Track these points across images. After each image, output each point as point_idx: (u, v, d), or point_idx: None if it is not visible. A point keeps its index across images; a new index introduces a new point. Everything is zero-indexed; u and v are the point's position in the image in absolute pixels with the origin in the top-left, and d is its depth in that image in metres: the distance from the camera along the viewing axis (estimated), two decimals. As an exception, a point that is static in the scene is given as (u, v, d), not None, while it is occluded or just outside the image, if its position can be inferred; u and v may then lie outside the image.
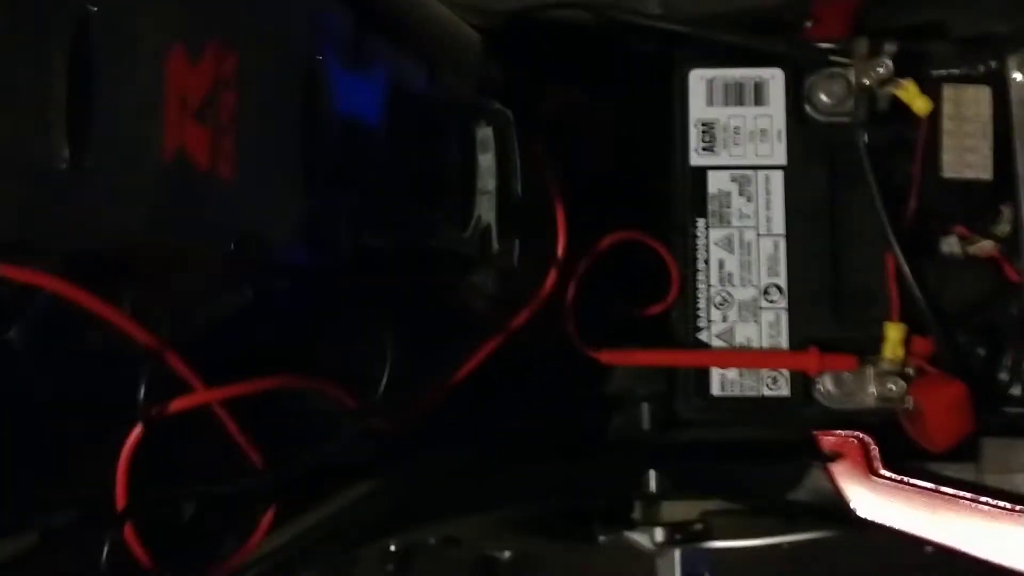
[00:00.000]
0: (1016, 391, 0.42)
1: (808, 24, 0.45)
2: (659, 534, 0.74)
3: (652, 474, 0.46)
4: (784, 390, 0.42)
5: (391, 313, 0.32)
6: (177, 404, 0.26)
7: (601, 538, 0.73)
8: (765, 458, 0.45)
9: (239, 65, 0.26)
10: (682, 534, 0.75)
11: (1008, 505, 0.41)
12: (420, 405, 0.33)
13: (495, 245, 0.35)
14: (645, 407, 0.45)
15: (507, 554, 0.79)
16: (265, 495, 0.29)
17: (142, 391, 0.26)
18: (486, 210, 0.36)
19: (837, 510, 0.44)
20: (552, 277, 0.37)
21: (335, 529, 0.36)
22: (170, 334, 0.26)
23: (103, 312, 0.24)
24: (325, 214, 0.29)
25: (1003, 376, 0.43)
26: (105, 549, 0.26)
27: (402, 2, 0.35)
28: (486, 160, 0.37)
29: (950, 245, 0.43)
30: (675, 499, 0.49)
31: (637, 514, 0.73)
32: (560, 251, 0.38)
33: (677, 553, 0.80)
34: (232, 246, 0.26)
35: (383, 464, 0.36)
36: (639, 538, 0.78)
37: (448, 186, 0.35)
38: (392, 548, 0.67)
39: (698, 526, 0.77)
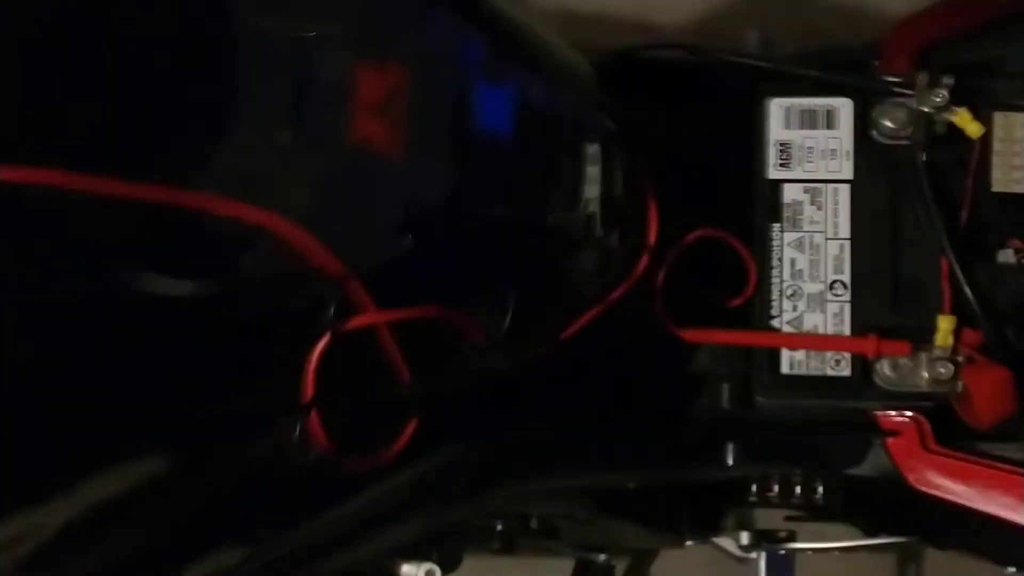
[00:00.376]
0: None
1: (876, 63, 0.52)
2: (745, 538, 0.79)
3: (730, 447, 0.53)
4: (846, 371, 0.49)
5: (512, 276, 0.41)
6: (355, 322, 0.35)
7: (688, 542, 0.79)
8: (830, 433, 0.51)
9: (411, 78, 0.35)
10: (768, 540, 0.80)
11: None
12: (532, 351, 0.41)
13: (599, 230, 0.43)
14: (725, 386, 0.52)
15: (602, 557, 0.85)
16: (414, 405, 0.37)
17: (332, 310, 0.35)
18: (593, 203, 0.44)
19: (895, 483, 0.50)
20: (645, 260, 0.45)
21: (432, 481, 0.44)
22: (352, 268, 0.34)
23: (312, 249, 0.33)
24: (469, 189, 0.37)
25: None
26: (297, 430, 0.35)
27: (531, 36, 0.44)
28: (593, 168, 0.45)
29: (1006, 256, 0.50)
30: (748, 471, 0.55)
31: (726, 521, 0.78)
32: (651, 238, 0.45)
33: (763, 557, 0.85)
34: (401, 210, 0.35)
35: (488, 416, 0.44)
36: (725, 543, 0.83)
37: (563, 180, 0.44)
38: (499, 527, 0.74)
39: (782, 533, 0.82)
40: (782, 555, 0.82)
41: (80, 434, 0.30)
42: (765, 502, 0.63)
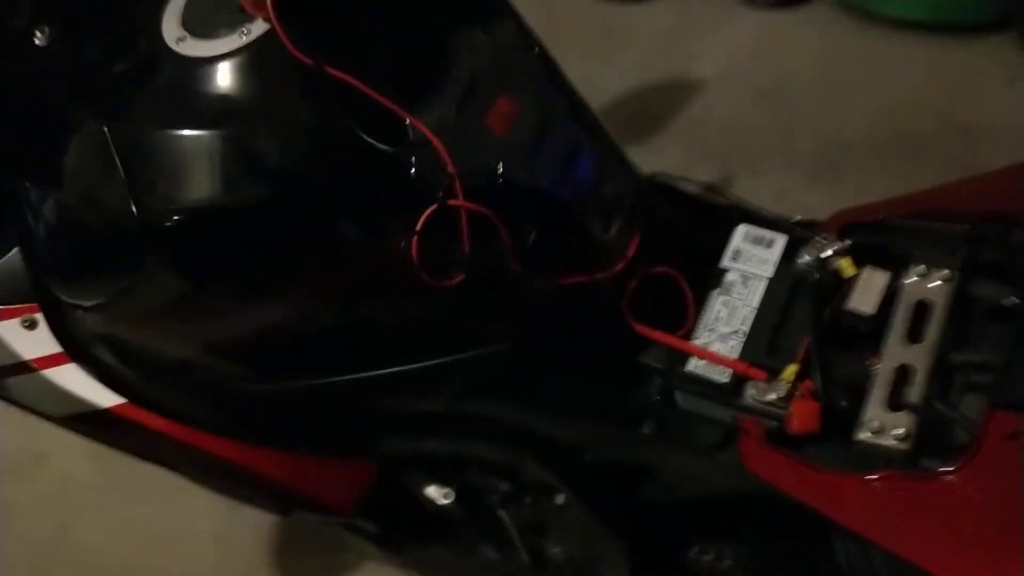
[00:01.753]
0: (859, 434, 0.74)
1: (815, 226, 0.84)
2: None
3: (649, 422, 0.81)
4: (726, 379, 0.77)
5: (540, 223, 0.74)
6: (452, 203, 0.68)
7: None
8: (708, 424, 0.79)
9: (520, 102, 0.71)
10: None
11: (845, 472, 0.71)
12: (542, 284, 0.73)
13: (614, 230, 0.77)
14: (654, 374, 0.81)
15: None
16: (469, 264, 0.70)
17: (441, 193, 0.68)
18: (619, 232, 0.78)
19: (739, 468, 0.76)
20: (625, 262, 0.78)
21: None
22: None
23: (446, 157, 0.68)
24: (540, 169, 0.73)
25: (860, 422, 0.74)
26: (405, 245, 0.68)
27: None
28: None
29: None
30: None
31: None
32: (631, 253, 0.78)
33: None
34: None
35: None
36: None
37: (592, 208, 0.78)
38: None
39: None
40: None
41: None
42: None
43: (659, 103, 1.91)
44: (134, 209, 0.67)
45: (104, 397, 0.86)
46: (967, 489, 0.66)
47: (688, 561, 0.98)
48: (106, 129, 0.68)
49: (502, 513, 0.98)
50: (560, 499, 0.96)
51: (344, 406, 0.84)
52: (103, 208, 0.70)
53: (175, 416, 0.87)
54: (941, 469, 0.67)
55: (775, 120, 1.89)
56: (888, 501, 0.69)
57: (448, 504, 0.95)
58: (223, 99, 0.67)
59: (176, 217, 0.67)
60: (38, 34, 0.73)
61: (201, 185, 0.67)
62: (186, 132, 0.66)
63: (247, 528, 1.54)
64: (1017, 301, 0.74)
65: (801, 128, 1.85)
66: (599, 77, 1.79)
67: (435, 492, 0.97)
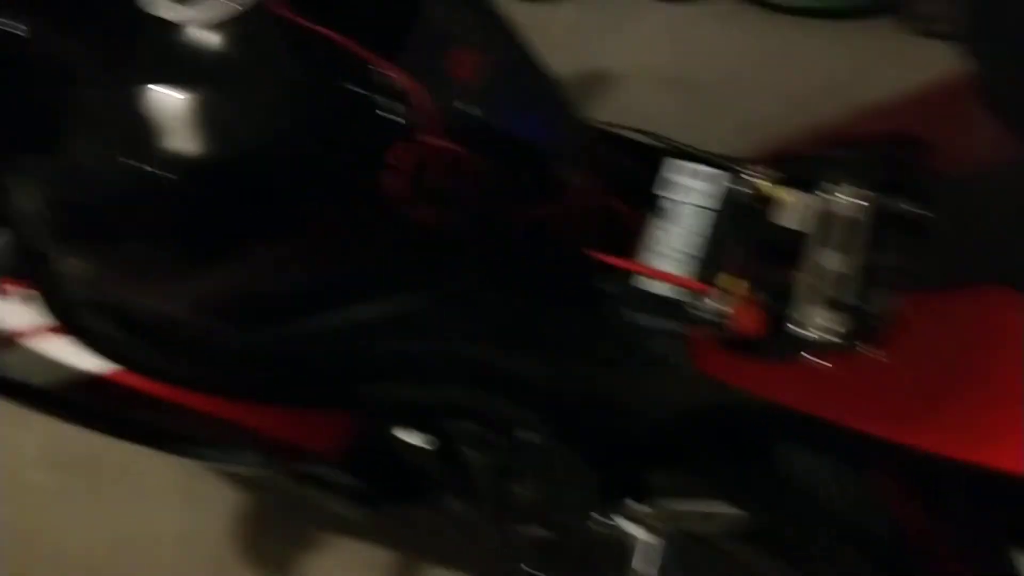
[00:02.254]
0: (794, 332, 0.83)
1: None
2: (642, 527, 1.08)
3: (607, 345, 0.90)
4: (673, 294, 0.86)
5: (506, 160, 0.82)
6: (429, 140, 0.76)
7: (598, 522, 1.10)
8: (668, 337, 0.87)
9: (480, 53, 0.80)
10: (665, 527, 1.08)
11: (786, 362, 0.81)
12: (510, 217, 0.82)
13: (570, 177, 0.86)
14: (611, 303, 0.89)
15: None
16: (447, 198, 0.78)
17: (415, 130, 0.77)
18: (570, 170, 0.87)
19: (693, 373, 0.85)
20: (577, 196, 0.86)
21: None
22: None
23: (420, 97, 0.76)
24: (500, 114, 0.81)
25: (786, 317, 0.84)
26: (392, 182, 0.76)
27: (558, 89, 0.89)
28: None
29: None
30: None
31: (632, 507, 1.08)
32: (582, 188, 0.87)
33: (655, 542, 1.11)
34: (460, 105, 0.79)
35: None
36: (627, 525, 1.10)
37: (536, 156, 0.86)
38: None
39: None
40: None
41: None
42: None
43: (574, 96, 2.02)
44: (135, 168, 0.73)
45: (94, 364, 0.91)
46: (893, 359, 0.75)
47: (648, 485, 1.05)
48: (97, 91, 0.73)
49: (472, 455, 1.05)
50: (531, 437, 1.03)
51: (323, 352, 0.90)
52: (99, 171, 0.75)
53: (163, 378, 0.92)
54: (867, 348, 0.77)
55: (689, 110, 2.02)
56: (824, 380, 0.78)
57: (432, 450, 1.01)
58: (213, 58, 0.73)
59: (173, 175, 0.73)
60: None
61: (188, 141, 0.73)
62: (176, 91, 0.72)
63: (210, 526, 1.57)
64: (921, 212, 0.85)
65: (716, 116, 1.97)
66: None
67: (419, 439, 1.03)
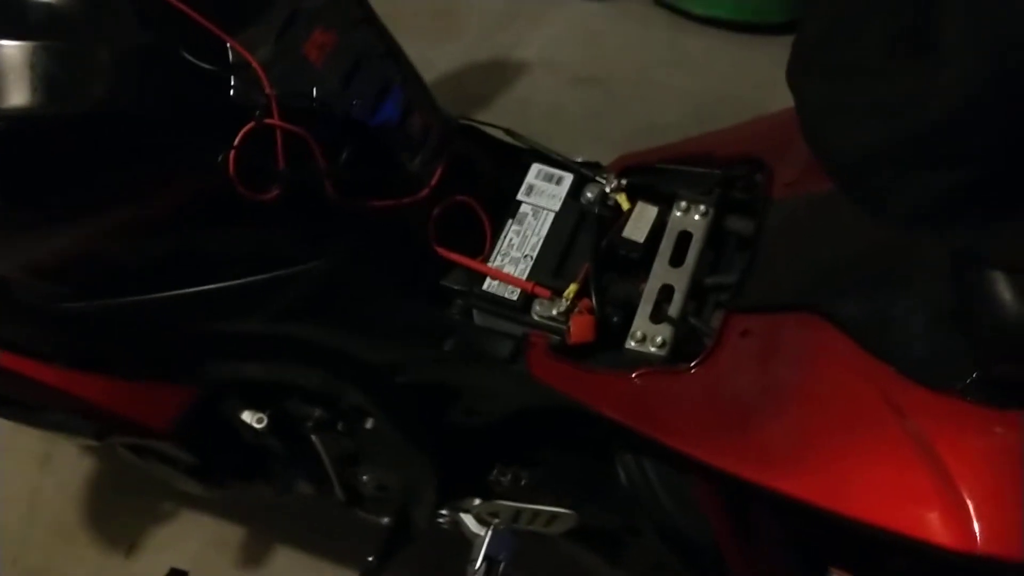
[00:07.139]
0: (628, 343, 0.84)
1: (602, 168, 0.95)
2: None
3: (449, 342, 0.89)
4: (515, 297, 0.87)
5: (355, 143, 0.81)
6: (270, 121, 0.75)
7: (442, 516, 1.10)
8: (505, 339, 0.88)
9: (337, 35, 0.79)
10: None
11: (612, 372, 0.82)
12: (353, 205, 0.81)
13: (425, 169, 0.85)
14: (457, 302, 0.89)
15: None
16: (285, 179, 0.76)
17: (259, 113, 0.75)
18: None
19: (527, 377, 0.85)
20: (430, 190, 0.86)
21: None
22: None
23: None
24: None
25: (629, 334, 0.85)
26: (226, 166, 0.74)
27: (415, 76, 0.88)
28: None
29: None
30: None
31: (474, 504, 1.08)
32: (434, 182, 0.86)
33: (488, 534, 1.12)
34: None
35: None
36: (468, 520, 1.11)
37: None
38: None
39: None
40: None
41: None
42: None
43: (484, 85, 2.02)
44: None
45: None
46: (708, 378, 0.77)
47: (489, 482, 1.06)
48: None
49: (315, 439, 1.04)
50: (372, 423, 1.02)
51: (162, 326, 0.88)
52: None
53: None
54: (688, 365, 0.79)
55: (591, 105, 2.03)
56: (644, 393, 0.80)
57: (262, 428, 1.00)
58: (51, 11, 0.71)
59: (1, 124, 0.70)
60: None
61: (23, 94, 0.70)
62: (10, 41, 0.70)
63: (59, 492, 1.54)
64: (753, 233, 0.87)
65: (615, 113, 1.98)
66: (428, 58, 1.88)
67: (249, 417, 1.01)
